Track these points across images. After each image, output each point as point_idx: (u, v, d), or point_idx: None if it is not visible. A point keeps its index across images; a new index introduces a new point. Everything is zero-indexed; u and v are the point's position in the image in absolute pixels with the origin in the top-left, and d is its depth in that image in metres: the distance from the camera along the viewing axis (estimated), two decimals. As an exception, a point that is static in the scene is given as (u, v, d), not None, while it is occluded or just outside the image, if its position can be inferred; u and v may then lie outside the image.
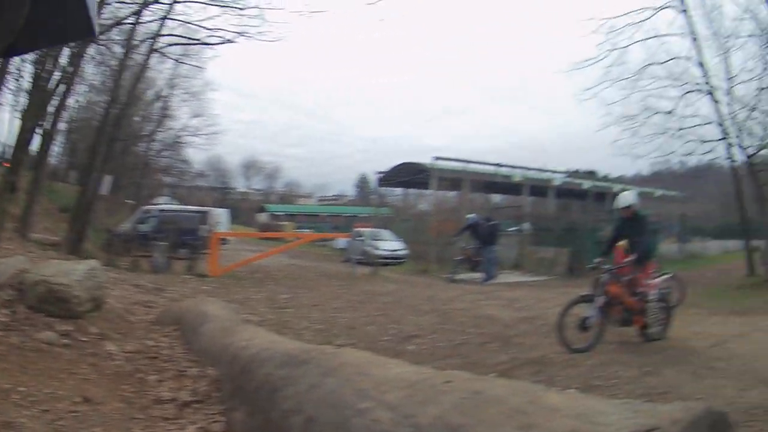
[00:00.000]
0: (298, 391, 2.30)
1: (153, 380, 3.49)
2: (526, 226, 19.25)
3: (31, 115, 10.47)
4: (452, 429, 1.60)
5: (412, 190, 39.18)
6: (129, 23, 12.71)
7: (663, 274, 8.56)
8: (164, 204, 25.57)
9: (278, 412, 2.31)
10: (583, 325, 5.30)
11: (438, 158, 27.29)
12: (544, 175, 33.40)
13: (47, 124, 12.75)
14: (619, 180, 45.70)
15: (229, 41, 12.52)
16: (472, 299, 8.90)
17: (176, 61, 20.35)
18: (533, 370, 4.67)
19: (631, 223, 5.82)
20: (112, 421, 2.87)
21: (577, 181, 37.20)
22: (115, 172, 23.14)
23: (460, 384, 1.82)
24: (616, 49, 12.50)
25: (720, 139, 12.16)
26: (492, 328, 6.40)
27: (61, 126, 20.87)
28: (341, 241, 22.00)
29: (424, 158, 29.70)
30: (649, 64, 12.41)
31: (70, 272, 4.57)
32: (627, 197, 5.91)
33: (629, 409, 1.40)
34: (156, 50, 15.36)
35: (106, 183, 17.51)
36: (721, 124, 11.88)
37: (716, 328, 6.62)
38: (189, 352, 3.93)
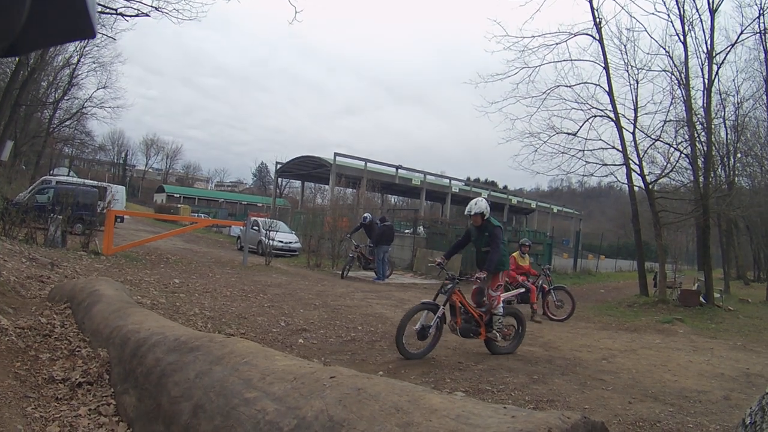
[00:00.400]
0: (186, 377, 2.34)
1: (45, 359, 3.54)
2: (421, 229, 20.00)
3: None
4: (335, 423, 1.69)
5: (310, 184, 40.49)
6: None
7: (554, 287, 9.30)
8: (63, 176, 25.37)
9: (167, 397, 2.36)
10: (423, 333, 5.22)
11: (338, 154, 28.31)
12: (443, 181, 35.28)
13: None
14: (519, 193, 49.13)
15: (146, 15, 12.42)
16: (363, 297, 9.18)
17: None
18: (422, 371, 4.76)
19: (482, 232, 5.73)
20: (4, 398, 2.87)
21: (476, 189, 38.90)
22: (17, 138, 23.15)
23: (344, 380, 1.95)
24: (527, 67, 13.04)
25: (621, 165, 12.96)
26: (381, 327, 6.59)
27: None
28: (236, 229, 22.77)
29: (324, 153, 30.81)
30: (558, 86, 12.97)
31: None
32: (478, 204, 5.73)
33: (507, 414, 1.54)
34: None
35: (7, 149, 16.45)
36: (623, 151, 12.62)
37: (605, 343, 6.99)
38: (81, 331, 3.93)
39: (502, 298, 5.71)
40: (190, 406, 2.19)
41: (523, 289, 6.30)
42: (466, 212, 5.82)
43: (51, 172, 31.24)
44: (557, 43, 12.72)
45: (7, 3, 0.57)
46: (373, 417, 1.61)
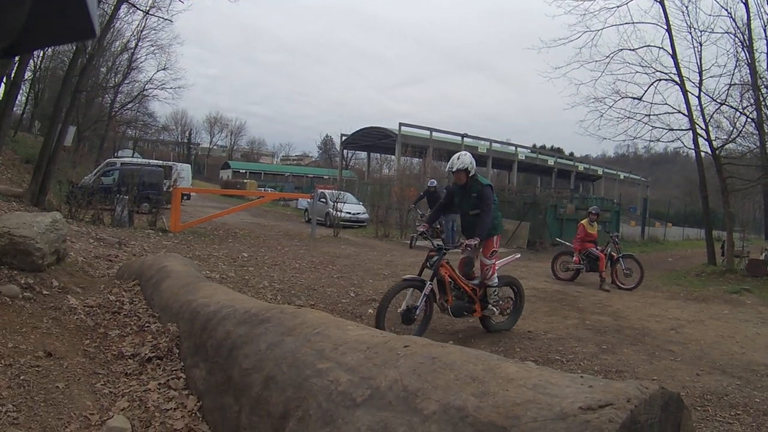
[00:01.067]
0: (257, 349, 2.49)
1: (115, 335, 3.86)
2: None
3: None
4: (409, 393, 1.76)
5: (375, 155, 43.77)
6: None
7: (622, 255, 9.61)
8: (127, 157, 28.60)
9: (238, 369, 2.51)
10: (408, 316, 5.01)
11: (403, 124, 30.69)
12: (509, 149, 37.32)
13: (11, 73, 13.16)
14: (585, 159, 50.86)
15: None
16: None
17: (145, 12, 21.87)
18: (491, 340, 5.14)
19: (468, 192, 5.38)
20: (74, 375, 3.18)
21: (543, 157, 40.85)
22: (79, 124, 25.65)
23: (418, 349, 2.01)
24: (589, 31, 13.80)
25: (687, 130, 13.29)
26: None
27: (26, 75, 23.20)
28: (303, 202, 24.59)
29: (389, 124, 34.35)
30: (621, 50, 13.76)
31: (33, 224, 4.88)
32: (462, 159, 5.34)
33: (584, 383, 1.56)
34: (125, 1, 16.43)
35: (70, 134, 18.45)
36: (689, 115, 12.94)
37: (674, 312, 7.19)
38: (150, 307, 4.27)
39: (497, 267, 5.46)
40: (261, 377, 2.34)
41: (518, 255, 6.28)
42: (447, 168, 5.52)
43: (115, 154, 34.30)
44: (618, 6, 13.38)
45: (7, 3, 0.61)
46: (448, 386, 1.68)
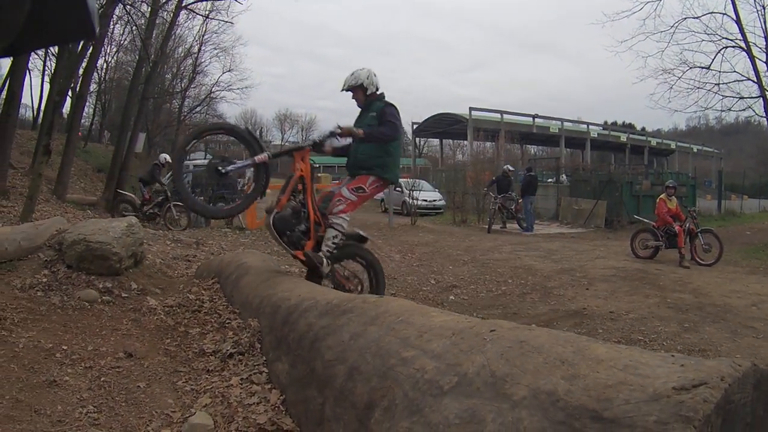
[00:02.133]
0: (340, 340, 2.75)
1: (195, 333, 4.32)
2: (564, 177, 23.84)
3: (61, 79, 12.89)
4: (498, 378, 1.92)
5: (448, 141, 48.13)
6: None
7: (701, 230, 10.17)
8: (199, 159, 31.12)
9: (321, 361, 2.78)
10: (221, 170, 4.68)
11: (473, 108, 34.09)
12: (581, 127, 40.01)
13: (78, 87, 15.11)
14: (657, 134, 53.61)
15: None
16: (511, 250, 10.55)
17: (205, 17, 24.65)
18: (574, 321, 5.54)
19: (365, 113, 4.87)
20: (155, 375, 3.64)
21: (615, 133, 43.58)
22: (149, 130, 30.18)
23: (504, 333, 2.16)
24: (651, 1, 15.21)
25: (757, 97, 13.93)
26: (531, 279, 7.52)
27: (92, 87, 27.62)
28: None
29: (458, 109, 36.49)
30: (685, 18, 14.98)
31: (109, 230, 5.53)
32: (355, 74, 4.85)
33: (676, 363, 1.66)
34: (183, 7, 18.55)
35: (140, 141, 20.66)
36: (758, 81, 13.57)
37: (754, 288, 7.50)
38: (230, 304, 4.75)
39: (348, 212, 4.77)
40: (345, 368, 2.58)
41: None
42: (341, 90, 4.96)
43: (188, 157, 37.67)
44: (678, -26, 15.15)
45: (7, 3, 0.70)
46: (537, 370, 1.81)
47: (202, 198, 13.28)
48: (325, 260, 4.62)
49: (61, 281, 5.14)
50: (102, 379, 3.47)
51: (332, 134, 4.72)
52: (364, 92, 4.85)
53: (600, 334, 5.17)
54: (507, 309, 6.07)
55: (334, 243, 4.65)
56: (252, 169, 4.82)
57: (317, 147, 4.82)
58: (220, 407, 3.10)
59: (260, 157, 4.59)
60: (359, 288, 5.06)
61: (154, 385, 3.46)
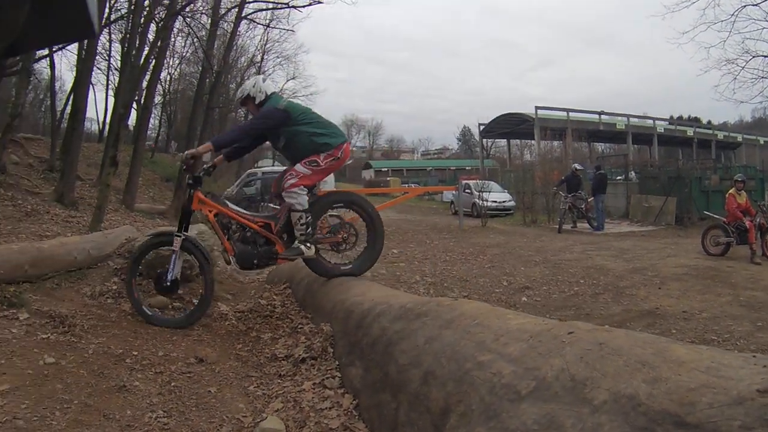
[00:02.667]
0: (415, 344, 2.88)
1: (267, 338, 4.58)
2: (633, 174, 24.16)
3: (125, 92, 13.93)
4: (577, 382, 1.97)
5: (515, 141, 50.65)
6: None
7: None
8: (267, 167, 33.20)
9: (395, 366, 2.92)
10: (166, 288, 4.86)
11: (539, 107, 35.95)
12: (647, 123, 41.40)
13: (142, 99, 17.06)
14: (723, 127, 55.14)
15: (318, 2, 16.07)
16: (582, 249, 10.84)
17: (266, 26, 27.06)
18: (647, 322, 5.67)
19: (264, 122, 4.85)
20: (226, 379, 3.88)
21: (681, 128, 44.27)
22: None
23: (583, 335, 2.21)
24: None
25: None
26: (603, 279, 7.72)
27: (157, 99, 30.69)
28: (448, 194, 29.50)
29: (525, 109, 39.73)
30: (744, 6, 15.08)
31: None
32: (243, 87, 5.03)
33: (758, 363, 1.67)
34: (244, 17, 19.97)
35: None
36: None
37: None
38: (302, 309, 5.00)
39: (300, 185, 4.69)
40: (420, 373, 2.68)
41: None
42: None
43: (255, 164, 41.20)
44: (734, -40, 15.11)
45: (7, 3, 0.74)
46: (617, 373, 1.84)
47: (270, 205, 14.15)
48: (303, 247, 4.67)
49: (131, 288, 5.59)
50: (172, 384, 3.72)
51: (186, 168, 4.83)
52: (253, 102, 4.98)
53: (674, 335, 5.28)
54: (580, 310, 6.29)
55: (302, 224, 4.69)
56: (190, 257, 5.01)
57: (198, 183, 4.84)
58: (292, 412, 3.27)
59: (175, 244, 4.83)
60: (354, 234, 5.14)
61: (225, 390, 3.68)
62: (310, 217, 4.72)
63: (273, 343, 4.42)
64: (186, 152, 4.84)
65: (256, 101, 4.93)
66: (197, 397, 3.56)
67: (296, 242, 4.70)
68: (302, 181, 4.69)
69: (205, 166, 5.12)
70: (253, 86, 4.97)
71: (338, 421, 3.11)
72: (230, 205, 4.95)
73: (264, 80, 5.10)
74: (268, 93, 4.97)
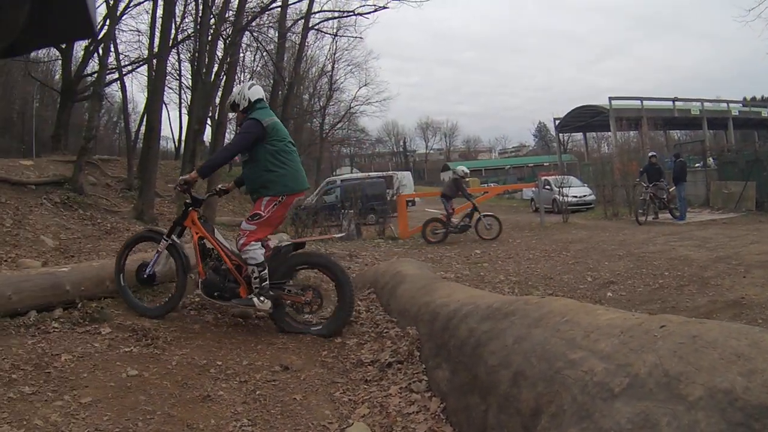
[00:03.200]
0: (504, 344, 2.98)
1: (353, 344, 4.80)
2: (711, 161, 24.70)
3: (198, 108, 15.04)
4: (671, 378, 1.99)
5: (591, 134, 51.83)
6: (276, 6, 18.04)
7: None
8: (346, 174, 34.81)
9: (484, 367, 3.03)
10: (146, 280, 5.35)
11: (612, 98, 37.45)
12: (721, 106, 42.60)
13: (216, 114, 18.38)
14: None
15: (383, 7, 16.97)
16: (665, 241, 11.27)
17: (333, 35, 29.01)
18: (733, 312, 5.65)
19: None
20: (311, 386, 4.08)
21: (755, 109, 45.73)
22: None
23: (675, 328, 2.24)
24: None
25: None
26: (688, 270, 7.75)
27: (231, 114, 31.07)
28: (528, 192, 31.49)
29: (598, 100, 42.37)
30: None
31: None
32: (231, 96, 5.43)
33: None
34: (311, 28, 21.43)
35: None
36: None
37: None
38: (387, 313, 5.20)
39: (252, 241, 5.05)
40: (509, 374, 2.75)
41: (340, 234, 6.07)
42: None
43: (333, 173, 43.68)
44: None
45: (7, 3, 0.76)
46: (712, 367, 1.85)
47: (352, 211, 15.78)
48: (255, 299, 5.03)
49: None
50: (257, 392, 3.94)
51: (182, 192, 5.35)
52: (238, 109, 5.32)
53: (760, 324, 5.17)
54: (665, 303, 6.32)
55: (257, 277, 5.04)
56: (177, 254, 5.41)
57: (197, 204, 5.37)
58: (378, 417, 3.42)
59: (161, 245, 5.39)
60: (318, 298, 5.32)
61: (310, 397, 3.88)
62: (264, 272, 5.07)
63: (359, 349, 4.63)
64: (180, 178, 5.40)
65: (240, 108, 5.30)
66: (282, 405, 3.76)
67: (251, 294, 5.07)
68: (251, 237, 5.09)
69: (220, 187, 5.83)
70: (238, 94, 5.33)
71: (425, 426, 3.23)
72: (216, 234, 5.36)
73: (250, 87, 5.44)
74: (252, 100, 5.29)
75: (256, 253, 5.05)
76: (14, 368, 3.89)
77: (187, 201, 5.34)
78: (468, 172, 15.11)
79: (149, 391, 3.80)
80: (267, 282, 5.07)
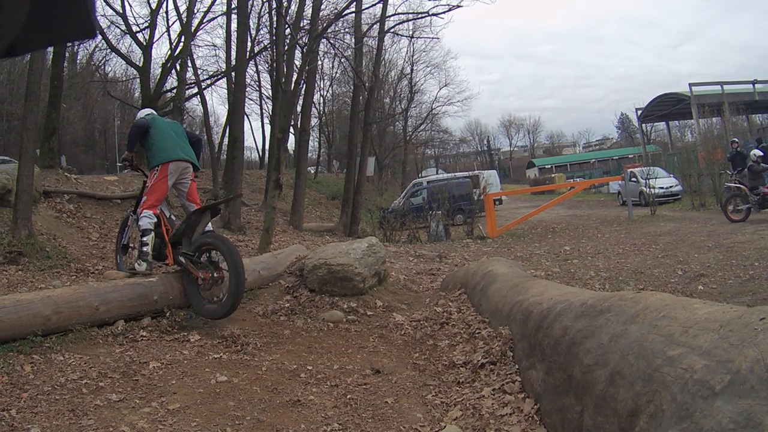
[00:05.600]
0: (599, 342, 2.99)
1: (444, 345, 4.88)
2: None
3: (280, 117, 15.65)
4: None
5: (674, 123, 53.48)
6: (350, 12, 18.60)
7: None
8: (432, 175, 35.81)
9: (579, 367, 3.04)
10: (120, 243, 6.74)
11: (693, 84, 37.89)
12: None
13: (299, 122, 19.34)
14: None
15: (457, 6, 17.30)
16: (754, 230, 11.56)
17: (410, 37, 30.14)
18: None
19: None
20: (403, 389, 4.19)
21: None
22: (377, 153, 37.53)
23: None
24: None
25: None
26: None
27: (314, 122, 35.60)
28: (614, 185, 31.97)
29: (678, 87, 41.83)
30: None
31: (350, 252, 6.59)
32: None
33: None
34: (387, 31, 22.01)
35: (370, 165, 27.22)
36: None
37: None
38: (479, 313, 5.26)
39: (145, 208, 5.99)
40: (606, 373, 2.75)
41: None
42: None
43: (419, 174, 44.47)
44: None
45: (7, 3, 0.78)
46: None
47: (439, 212, 16.42)
48: (136, 264, 5.89)
49: (304, 305, 6.14)
50: (348, 396, 4.06)
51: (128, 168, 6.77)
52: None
53: None
54: (757, 295, 6.32)
55: (142, 245, 5.90)
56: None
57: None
58: (471, 419, 3.47)
59: (130, 220, 6.80)
60: (215, 274, 5.74)
61: (402, 400, 3.97)
62: (146, 238, 5.89)
63: (450, 350, 4.70)
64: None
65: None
66: (373, 409, 3.87)
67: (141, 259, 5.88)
68: (143, 205, 6.09)
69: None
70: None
71: (519, 428, 3.25)
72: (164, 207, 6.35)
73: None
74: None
75: (143, 221, 5.97)
76: (101, 376, 4.13)
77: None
78: (761, 155, 14.98)
79: (238, 397, 3.98)
80: (145, 247, 5.88)
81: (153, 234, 5.96)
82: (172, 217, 6.39)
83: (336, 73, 37.77)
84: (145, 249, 5.84)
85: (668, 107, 43.60)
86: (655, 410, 2.34)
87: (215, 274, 5.70)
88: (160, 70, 23.21)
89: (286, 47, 15.67)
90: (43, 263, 7.74)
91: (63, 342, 4.63)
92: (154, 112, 6.97)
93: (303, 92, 19.19)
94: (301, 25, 17.28)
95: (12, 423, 3.36)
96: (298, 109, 19.86)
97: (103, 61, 32.21)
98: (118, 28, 22.72)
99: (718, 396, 2.05)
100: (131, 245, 6.72)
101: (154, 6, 22.42)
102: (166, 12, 23.39)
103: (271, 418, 3.69)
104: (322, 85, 37.48)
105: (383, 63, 32.05)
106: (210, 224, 6.10)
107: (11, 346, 4.38)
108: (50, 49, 14.19)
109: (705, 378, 2.17)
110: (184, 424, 3.52)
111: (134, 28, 22.01)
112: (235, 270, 5.42)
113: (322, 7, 17.90)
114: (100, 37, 21.07)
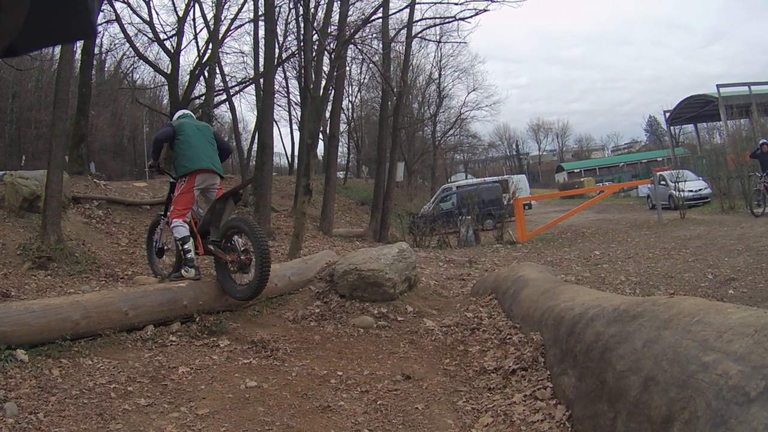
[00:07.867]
0: (632, 348, 2.98)
1: (475, 351, 4.90)
2: None
3: (310, 123, 15.93)
4: None
5: (702, 125, 52.97)
6: (377, 18, 18.94)
7: None
8: (461, 180, 36.22)
9: (612, 373, 3.04)
10: (161, 252, 7.19)
11: (720, 86, 37.69)
12: None
13: (328, 128, 19.89)
14: None
15: (484, 10, 17.54)
16: None
17: (437, 42, 31.09)
18: None
19: None
20: (434, 395, 4.21)
21: None
22: (407, 159, 38.41)
23: None
24: None
25: None
26: None
27: (343, 127, 36.17)
28: (644, 189, 32.25)
29: (707, 89, 42.27)
30: None
31: (380, 257, 6.65)
32: None
33: None
34: (414, 36, 22.44)
35: (400, 170, 26.61)
36: None
37: None
38: (510, 319, 5.27)
39: (174, 218, 6.25)
40: (640, 379, 2.74)
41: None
42: None
43: (449, 179, 44.90)
44: None
45: (6, 3, 0.78)
46: None
47: (469, 217, 16.67)
48: (182, 271, 6.17)
49: (334, 310, 6.20)
50: (378, 402, 4.08)
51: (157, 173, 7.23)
52: None
53: None
54: None
55: (181, 252, 6.22)
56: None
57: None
58: (502, 426, 3.48)
59: (162, 223, 7.15)
60: (242, 257, 5.98)
61: (432, 406, 3.99)
62: (183, 244, 6.15)
63: (481, 356, 4.72)
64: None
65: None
66: (404, 415, 3.88)
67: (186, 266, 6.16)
68: (172, 215, 6.34)
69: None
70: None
71: (551, 434, 3.29)
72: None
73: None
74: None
75: (177, 230, 6.22)
76: (130, 381, 4.19)
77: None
78: None
79: (268, 402, 4.01)
80: (189, 254, 6.15)
81: (192, 240, 6.23)
82: (200, 210, 6.58)
83: (364, 78, 38.48)
84: (189, 256, 6.11)
85: (696, 109, 43.84)
86: (690, 417, 2.32)
87: (242, 257, 5.93)
88: (188, 77, 23.70)
89: (314, 53, 15.92)
90: (72, 268, 7.91)
91: (92, 346, 4.73)
92: (191, 113, 7.27)
93: (332, 98, 19.49)
94: (329, 31, 17.51)
95: (39, 426, 3.42)
96: (327, 114, 20.24)
97: (131, 69, 32.58)
98: (146, 36, 23.14)
99: (754, 402, 2.05)
100: (166, 247, 7.14)
101: (181, 14, 22.83)
102: (194, 20, 23.81)
103: (300, 424, 3.71)
104: (350, 91, 38.28)
105: (411, 68, 32.42)
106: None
107: (40, 350, 4.46)
108: (78, 58, 14.59)
109: (740, 384, 2.17)
110: (213, 429, 3.57)
111: (161, 36, 22.37)
112: (259, 248, 5.61)
113: (350, 12, 18.17)
114: (128, 44, 21.48)
